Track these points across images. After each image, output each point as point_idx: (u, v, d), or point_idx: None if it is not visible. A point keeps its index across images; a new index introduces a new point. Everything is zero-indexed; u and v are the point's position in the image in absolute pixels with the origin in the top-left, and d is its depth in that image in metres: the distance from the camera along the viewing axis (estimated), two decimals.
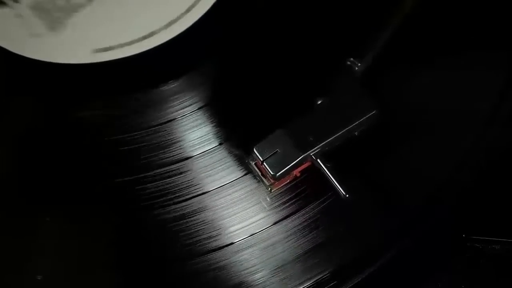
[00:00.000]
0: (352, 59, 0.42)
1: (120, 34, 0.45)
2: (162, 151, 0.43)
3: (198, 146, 0.43)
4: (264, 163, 0.40)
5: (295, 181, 0.42)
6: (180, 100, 0.44)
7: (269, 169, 0.40)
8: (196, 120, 0.43)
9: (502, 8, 0.45)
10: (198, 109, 0.43)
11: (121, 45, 0.44)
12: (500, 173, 0.44)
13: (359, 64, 0.42)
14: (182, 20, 0.45)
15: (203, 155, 0.43)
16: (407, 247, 0.42)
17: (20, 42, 0.45)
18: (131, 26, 0.45)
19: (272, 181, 0.40)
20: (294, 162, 0.40)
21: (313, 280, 0.41)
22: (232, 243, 0.41)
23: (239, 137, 0.43)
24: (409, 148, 0.43)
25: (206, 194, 0.42)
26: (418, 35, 0.44)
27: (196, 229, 0.41)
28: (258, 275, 0.40)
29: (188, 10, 0.45)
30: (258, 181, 0.42)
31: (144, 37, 0.45)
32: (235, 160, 0.42)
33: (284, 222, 0.41)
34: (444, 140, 0.43)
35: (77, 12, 0.46)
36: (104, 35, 0.45)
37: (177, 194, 0.42)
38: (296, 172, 0.41)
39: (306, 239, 0.41)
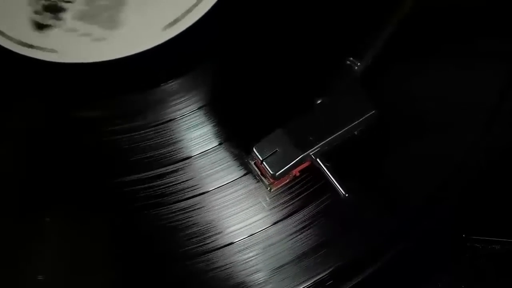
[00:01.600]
0: (351, 58, 0.42)
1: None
2: (162, 150, 0.43)
3: (198, 146, 0.43)
4: (264, 163, 0.40)
5: (294, 181, 0.42)
6: (180, 100, 0.44)
7: (268, 169, 0.40)
8: (196, 119, 0.43)
9: (502, 7, 0.45)
10: (198, 108, 0.43)
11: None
12: (500, 173, 0.44)
13: (358, 64, 0.42)
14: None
15: (203, 154, 0.43)
16: (407, 247, 0.42)
17: (86, 51, 0.45)
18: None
19: (272, 180, 0.40)
20: (293, 162, 0.40)
21: (313, 280, 0.41)
22: (231, 243, 0.41)
23: (239, 137, 0.43)
24: (408, 148, 0.43)
25: (205, 194, 0.42)
26: (417, 35, 0.44)
27: (195, 229, 0.41)
28: (257, 275, 0.40)
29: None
30: (258, 181, 0.41)
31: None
32: (235, 160, 0.42)
33: (284, 222, 0.41)
34: (443, 140, 0.43)
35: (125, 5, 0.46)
36: None
37: (176, 194, 0.42)
38: (295, 171, 0.41)
39: (306, 239, 0.41)
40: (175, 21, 0.45)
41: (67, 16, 0.46)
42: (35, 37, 0.45)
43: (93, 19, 0.45)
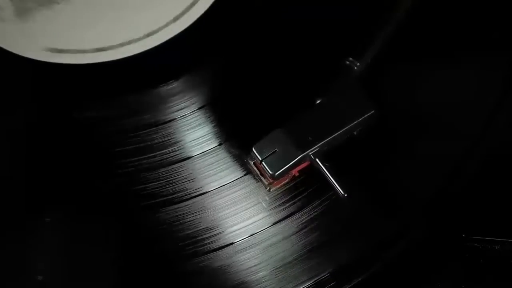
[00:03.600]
0: (351, 59, 0.42)
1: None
2: (162, 151, 0.43)
3: (198, 146, 0.43)
4: (263, 163, 0.40)
5: (294, 181, 0.42)
6: (180, 100, 0.44)
7: (267, 169, 0.40)
8: (196, 120, 0.43)
9: (502, 7, 0.45)
10: (198, 109, 0.44)
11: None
12: (500, 173, 0.44)
13: (358, 64, 0.42)
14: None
15: (203, 155, 0.43)
16: (407, 247, 0.42)
17: None
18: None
19: (271, 180, 0.40)
20: (292, 162, 0.40)
21: (312, 281, 0.41)
22: (232, 243, 0.41)
23: (239, 137, 0.43)
24: (408, 148, 0.43)
25: (206, 194, 0.42)
26: (416, 36, 0.44)
27: (196, 230, 0.41)
28: (258, 275, 0.41)
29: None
30: (258, 181, 0.42)
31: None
32: (234, 160, 0.42)
33: (284, 222, 0.41)
34: (443, 140, 0.43)
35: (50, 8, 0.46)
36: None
37: (177, 194, 0.42)
38: (294, 171, 0.41)
39: (306, 239, 0.41)
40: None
41: None
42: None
43: None
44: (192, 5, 0.45)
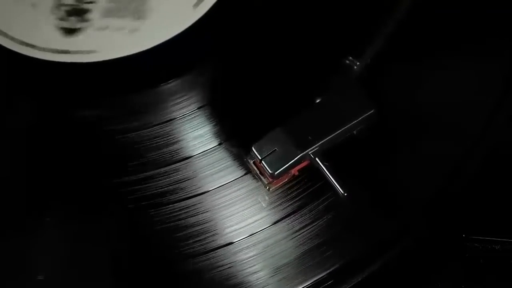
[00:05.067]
0: (350, 58, 0.42)
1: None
2: (162, 150, 0.43)
3: (198, 146, 0.43)
4: (263, 162, 0.40)
5: (293, 180, 0.42)
6: (180, 100, 0.44)
7: (267, 168, 0.40)
8: (196, 119, 0.43)
9: (502, 7, 0.45)
10: (198, 108, 0.44)
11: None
12: (500, 173, 0.44)
13: (357, 63, 0.42)
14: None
15: (203, 154, 0.43)
16: (407, 247, 0.41)
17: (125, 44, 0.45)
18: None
19: (270, 179, 0.40)
20: (292, 161, 0.40)
21: (312, 280, 0.40)
22: (231, 243, 0.41)
23: (239, 137, 0.43)
24: (408, 147, 0.43)
25: (205, 194, 0.42)
26: (417, 34, 0.44)
27: (195, 229, 0.41)
28: (257, 275, 0.40)
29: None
30: (257, 181, 0.41)
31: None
32: (234, 160, 0.42)
33: (283, 222, 0.41)
34: (443, 140, 0.43)
35: None
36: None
37: (176, 194, 0.42)
38: (294, 171, 0.41)
39: (305, 239, 0.41)
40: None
41: (94, 16, 0.46)
42: (67, 43, 0.45)
43: (122, 12, 0.46)
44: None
